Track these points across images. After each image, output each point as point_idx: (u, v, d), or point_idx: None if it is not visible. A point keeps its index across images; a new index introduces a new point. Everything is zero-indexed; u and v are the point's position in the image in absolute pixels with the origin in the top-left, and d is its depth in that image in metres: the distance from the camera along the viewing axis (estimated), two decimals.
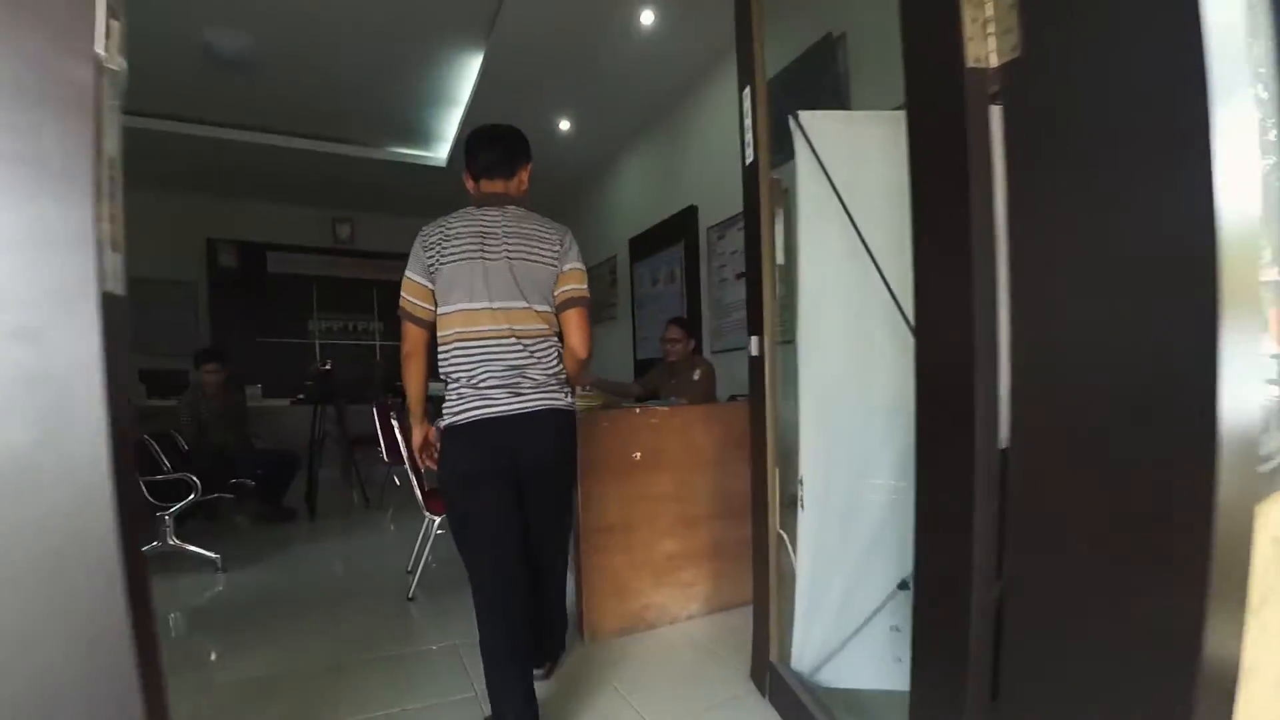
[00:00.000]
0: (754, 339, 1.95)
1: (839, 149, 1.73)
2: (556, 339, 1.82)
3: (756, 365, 1.95)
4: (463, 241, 1.72)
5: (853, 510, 1.79)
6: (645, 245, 6.06)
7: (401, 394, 6.74)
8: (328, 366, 4.86)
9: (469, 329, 1.70)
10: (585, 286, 1.84)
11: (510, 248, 1.74)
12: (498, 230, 1.74)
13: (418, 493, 2.83)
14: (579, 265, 1.84)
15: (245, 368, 7.54)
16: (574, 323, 1.81)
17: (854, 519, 1.80)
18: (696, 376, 3.55)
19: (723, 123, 4.90)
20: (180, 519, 3.33)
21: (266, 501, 4.40)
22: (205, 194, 7.61)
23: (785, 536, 1.92)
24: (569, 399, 1.84)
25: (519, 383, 1.70)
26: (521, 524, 1.76)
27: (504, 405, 1.69)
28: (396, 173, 6.89)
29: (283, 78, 5.06)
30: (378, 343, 8.28)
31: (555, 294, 1.81)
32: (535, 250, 1.77)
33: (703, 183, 5.26)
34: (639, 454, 2.40)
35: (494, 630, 1.69)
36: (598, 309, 7.26)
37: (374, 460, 5.01)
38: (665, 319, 5.64)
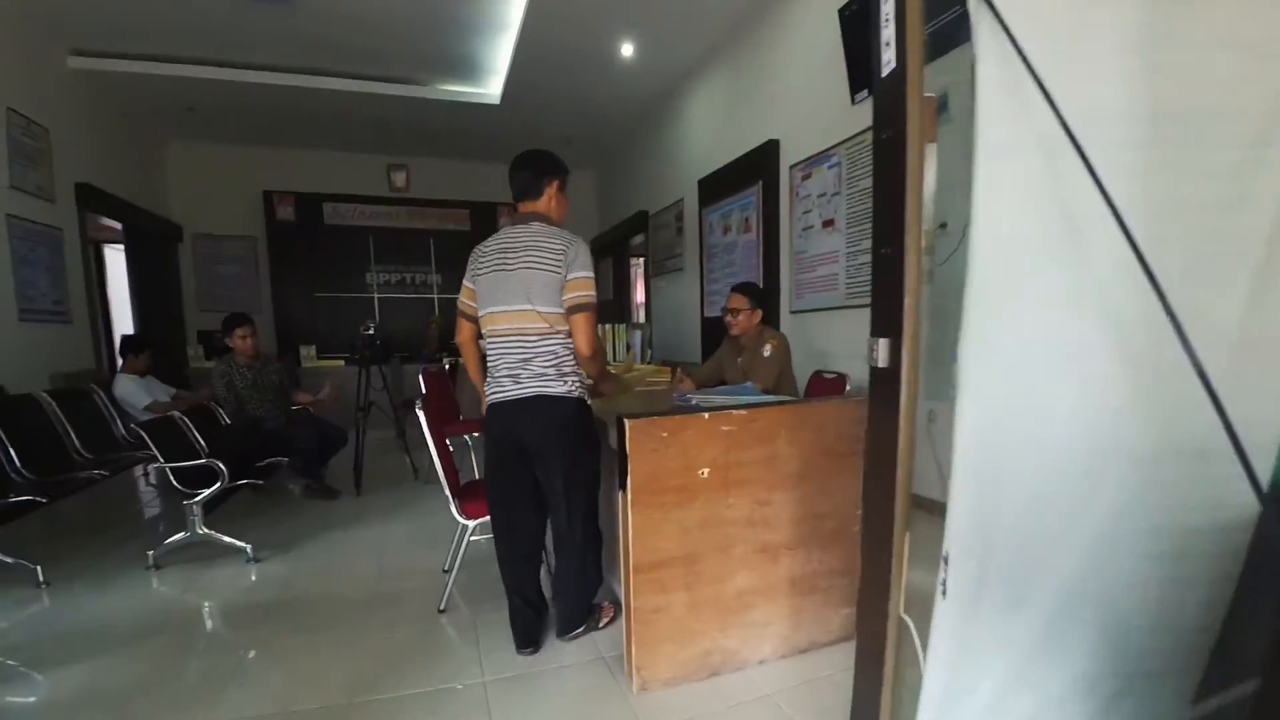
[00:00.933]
0: (881, 342, 1.37)
1: (1057, 43, 1.05)
2: (561, 336, 2.04)
3: (885, 381, 1.37)
4: (491, 257, 2.08)
5: (1022, 601, 1.21)
6: (716, 187, 5.36)
7: (456, 354, 6.43)
8: (371, 331, 4.49)
9: (492, 328, 2.08)
10: (588, 293, 2.02)
11: (524, 259, 2.01)
12: (519, 245, 2.03)
13: (449, 495, 2.41)
14: (582, 274, 2.01)
15: (302, 324, 7.48)
16: (578, 326, 2.03)
17: (1022, 609, 1.21)
18: (767, 353, 2.95)
19: (811, 39, 4.10)
20: (224, 493, 3.03)
21: (309, 477, 4.14)
22: (260, 145, 7.39)
23: (910, 623, 1.37)
24: (569, 387, 2.04)
25: (519, 373, 2.04)
26: (528, 492, 2.14)
27: (508, 391, 2.05)
28: (449, 113, 6.40)
29: (321, 7, 4.59)
30: (436, 296, 7.98)
31: (564, 299, 2.01)
32: (543, 260, 2.00)
33: (786, 113, 4.49)
34: (707, 470, 1.87)
35: (502, 571, 2.22)
36: (662, 259, 6.65)
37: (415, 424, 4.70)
38: (737, 274, 5.03)
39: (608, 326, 3.63)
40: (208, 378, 4.13)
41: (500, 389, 2.05)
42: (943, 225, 3.41)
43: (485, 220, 8.05)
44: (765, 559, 2.02)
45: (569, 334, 2.04)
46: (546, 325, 2.00)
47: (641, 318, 8.46)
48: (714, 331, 5.55)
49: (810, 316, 4.32)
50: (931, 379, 3.50)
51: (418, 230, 7.89)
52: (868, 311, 3.18)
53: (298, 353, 6.21)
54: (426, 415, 2.42)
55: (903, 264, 1.24)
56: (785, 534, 2.04)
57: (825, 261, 4.14)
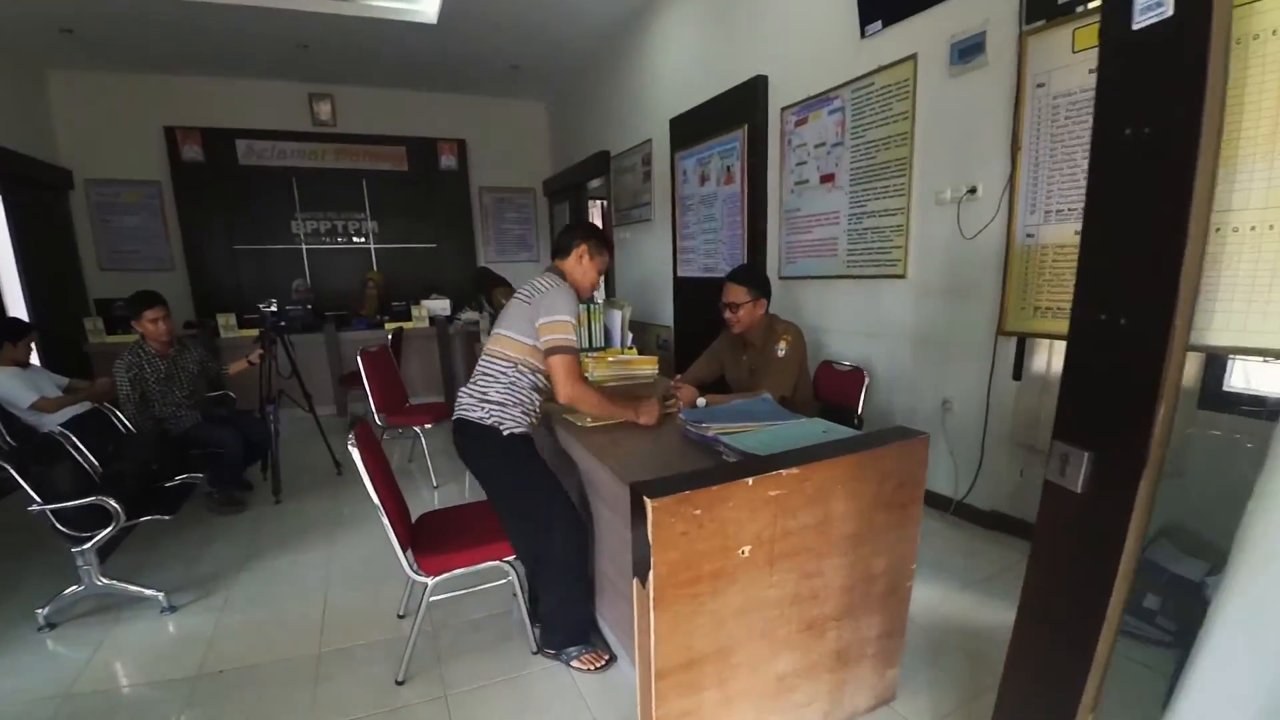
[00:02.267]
0: (1084, 455, 0.94)
1: None
2: (516, 366, 2.06)
3: (1080, 513, 0.94)
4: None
5: None
6: (692, 128, 4.75)
7: (401, 317, 5.76)
8: (273, 307, 3.80)
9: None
10: (559, 336, 1.99)
11: (521, 295, 2.11)
12: (528, 285, 2.13)
13: (397, 547, 1.92)
14: (554, 317, 2.00)
15: (223, 283, 6.63)
16: (553, 372, 2.01)
17: None
18: (782, 352, 2.49)
19: None
20: (130, 518, 2.45)
21: (220, 484, 3.50)
22: (157, 72, 6.29)
23: None
24: (492, 416, 2.03)
25: (465, 397, 2.10)
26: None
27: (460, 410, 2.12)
28: (378, 34, 5.50)
29: None
30: (373, 246, 7.19)
31: (541, 343, 2.01)
32: (524, 295, 2.09)
33: (777, 45, 3.90)
34: (748, 548, 1.44)
35: None
36: (627, 207, 6.03)
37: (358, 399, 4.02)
38: (717, 230, 4.51)
39: (581, 307, 3.09)
40: (111, 360, 3.41)
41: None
42: (972, 190, 2.99)
43: (425, 159, 7.22)
44: (810, 636, 1.64)
45: (534, 369, 2.07)
46: (508, 352, 2.05)
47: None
48: (690, 295, 5.07)
49: (803, 285, 3.88)
50: (946, 369, 3.09)
51: (348, 171, 7.01)
52: (872, 284, 2.65)
53: (215, 324, 5.40)
54: (360, 443, 1.89)
55: (1164, 334, 0.79)
56: (833, 605, 1.65)
57: (823, 222, 3.67)
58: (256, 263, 6.80)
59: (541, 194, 8.01)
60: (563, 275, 2.12)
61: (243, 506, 3.51)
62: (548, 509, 1.98)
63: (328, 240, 7.06)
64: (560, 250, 2.17)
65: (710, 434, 1.84)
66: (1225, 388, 2.41)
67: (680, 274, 5.18)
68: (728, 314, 2.59)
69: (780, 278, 4.04)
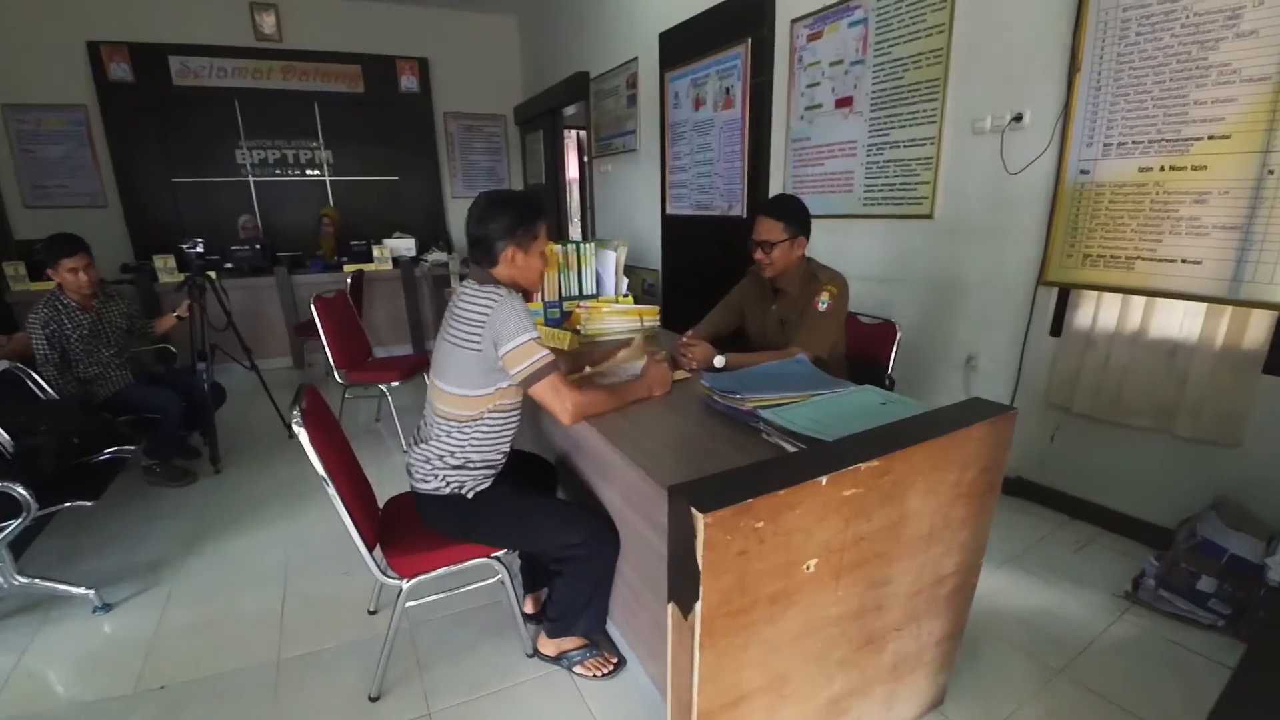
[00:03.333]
0: None
1: None
2: (476, 422, 1.66)
3: None
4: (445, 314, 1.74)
5: None
6: (686, 44, 4.25)
7: (362, 258, 5.26)
8: (198, 248, 3.31)
9: (427, 393, 1.78)
10: (531, 360, 1.57)
11: (450, 328, 1.66)
12: (455, 307, 1.67)
13: (361, 547, 1.59)
14: (517, 342, 1.56)
15: (162, 219, 5.98)
16: (543, 400, 1.62)
17: None
18: (824, 305, 2.10)
19: None
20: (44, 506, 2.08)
21: (158, 456, 3.08)
22: None
23: None
24: (450, 484, 1.67)
25: (413, 458, 1.74)
26: None
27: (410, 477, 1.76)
28: None
29: None
30: (328, 178, 6.55)
31: (512, 377, 1.60)
32: (460, 333, 1.62)
33: None
34: (814, 562, 1.15)
35: None
36: (608, 136, 5.53)
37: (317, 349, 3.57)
38: (713, 162, 4.07)
39: (569, 247, 2.70)
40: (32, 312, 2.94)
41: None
42: (1017, 118, 2.63)
43: (383, 80, 6.53)
44: (869, 651, 1.38)
45: (503, 410, 1.68)
46: (452, 409, 1.65)
47: (576, 202, 7.39)
48: (680, 235, 4.68)
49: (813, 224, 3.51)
50: (974, 322, 2.80)
51: (297, 92, 6.29)
52: (893, 225, 2.37)
53: (152, 269, 4.81)
54: (308, 421, 1.55)
55: None
56: (898, 614, 1.39)
57: (837, 154, 3.29)
58: (199, 197, 6.14)
59: (513, 121, 7.39)
60: (497, 282, 1.65)
61: (192, 477, 3.14)
62: (561, 537, 1.68)
63: (278, 171, 6.40)
64: (483, 258, 1.66)
65: (746, 408, 1.52)
66: None
67: (670, 211, 4.76)
68: (759, 254, 2.17)
69: None
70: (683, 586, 1.06)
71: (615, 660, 1.82)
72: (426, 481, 1.68)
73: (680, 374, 1.97)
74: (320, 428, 1.55)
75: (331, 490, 1.48)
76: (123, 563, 2.43)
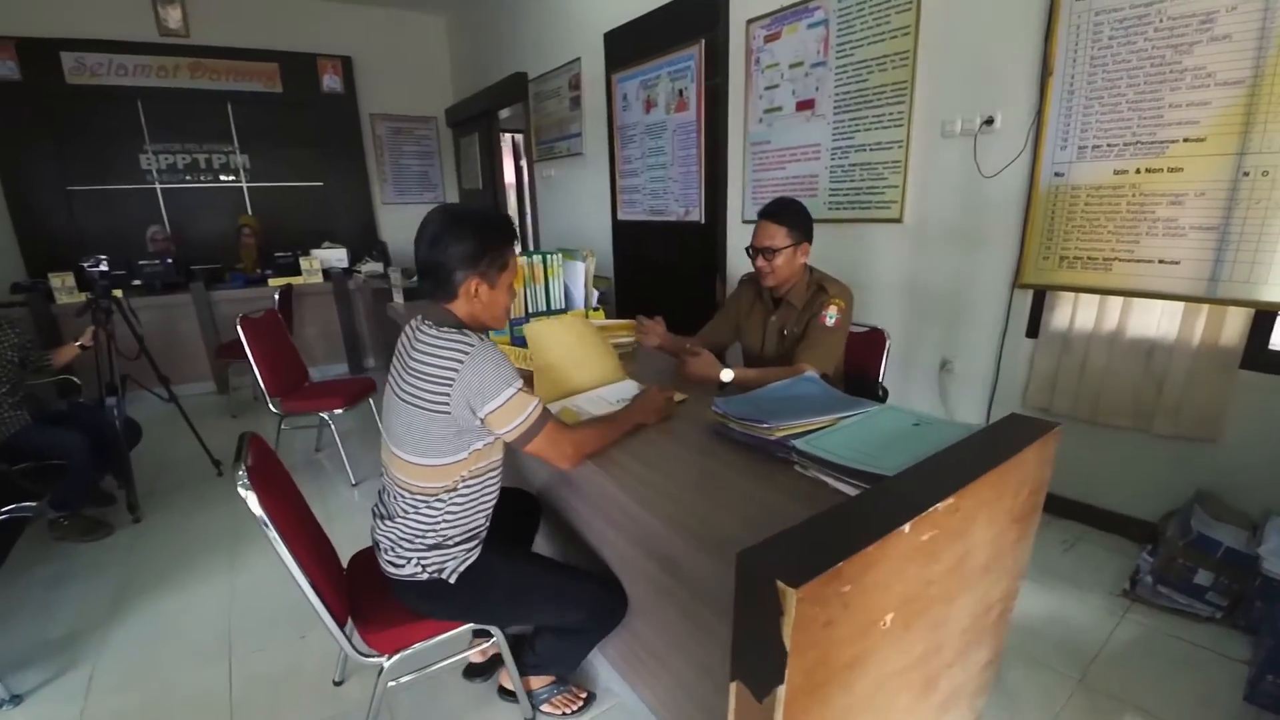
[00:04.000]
0: None
1: None
2: (452, 491, 1.38)
3: None
4: (396, 357, 1.43)
5: None
6: (634, 44, 4.11)
7: (288, 271, 4.86)
8: (102, 265, 2.94)
9: (381, 456, 1.49)
10: (521, 417, 1.31)
11: (410, 384, 1.33)
12: (414, 355, 1.34)
13: (329, 624, 1.36)
14: (503, 399, 1.29)
15: (60, 232, 5.36)
16: (540, 454, 1.37)
17: None
18: (832, 320, 1.96)
19: None
20: None
21: (66, 507, 2.67)
22: None
23: None
24: (429, 569, 1.40)
25: (380, 537, 1.45)
26: None
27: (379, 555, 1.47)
28: None
29: None
30: (245, 185, 6.05)
31: (501, 437, 1.35)
32: (418, 390, 1.31)
33: None
34: (891, 616, 1.02)
35: None
36: (550, 139, 5.32)
37: (243, 371, 3.18)
38: (666, 166, 3.94)
39: (536, 259, 2.51)
40: None
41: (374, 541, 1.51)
42: (989, 121, 2.61)
43: (303, 79, 6.09)
44: (925, 694, 1.28)
45: (482, 473, 1.42)
46: (419, 483, 1.37)
47: (512, 206, 7.11)
48: (633, 241, 4.53)
49: None
50: (947, 326, 2.77)
51: (208, 92, 5.78)
52: (860, 229, 2.29)
53: (48, 288, 4.25)
54: (257, 482, 1.32)
55: None
56: (952, 651, 1.29)
57: (800, 157, 3.23)
58: (100, 207, 5.53)
59: (445, 124, 7.05)
60: (461, 324, 1.36)
61: (107, 529, 2.74)
62: (563, 616, 1.52)
63: (189, 178, 5.86)
64: (436, 290, 1.38)
65: (774, 437, 1.38)
66: (1274, 346, 2.26)
67: (621, 217, 4.61)
68: (759, 261, 2.03)
69: (744, 221, 3.60)
70: (758, 669, 0.91)
71: (584, 695, 1.69)
72: (399, 566, 1.41)
73: (679, 396, 1.81)
74: (272, 488, 1.31)
75: (295, 571, 1.25)
76: (31, 640, 2.07)
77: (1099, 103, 2.24)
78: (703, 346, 2.09)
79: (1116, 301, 2.34)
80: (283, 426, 3.23)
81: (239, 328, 3.03)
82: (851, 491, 1.23)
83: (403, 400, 1.34)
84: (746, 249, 2.07)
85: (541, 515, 1.89)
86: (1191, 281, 2.13)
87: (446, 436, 1.32)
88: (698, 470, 1.41)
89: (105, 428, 2.75)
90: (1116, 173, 2.24)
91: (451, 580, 1.41)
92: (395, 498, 1.41)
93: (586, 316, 2.60)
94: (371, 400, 3.40)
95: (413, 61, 6.70)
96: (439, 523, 1.39)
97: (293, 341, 3.61)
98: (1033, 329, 2.57)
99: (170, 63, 5.64)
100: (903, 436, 1.35)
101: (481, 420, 1.30)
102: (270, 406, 3.11)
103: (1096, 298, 2.38)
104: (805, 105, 3.15)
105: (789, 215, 1.98)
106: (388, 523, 1.43)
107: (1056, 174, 2.37)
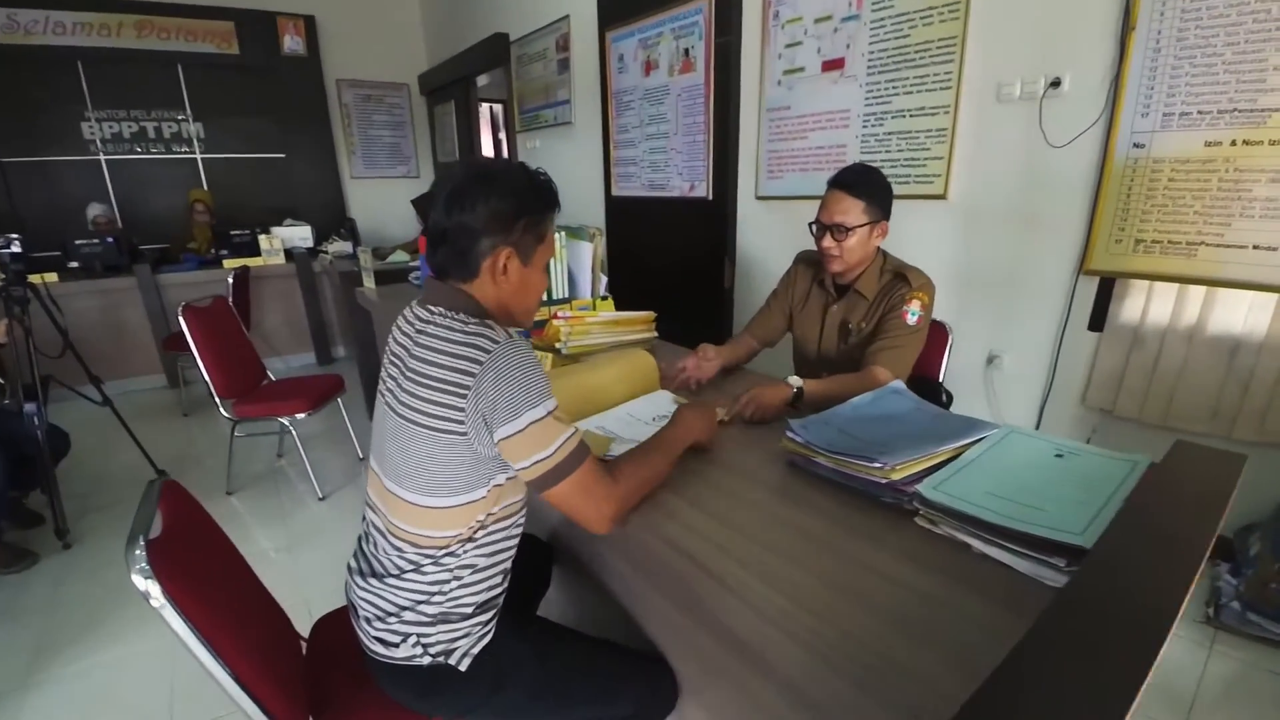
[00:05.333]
0: None
1: None
2: (454, 551, 1.01)
3: None
4: (390, 352, 1.09)
5: None
6: (631, 0, 3.72)
7: (246, 251, 4.41)
8: (13, 247, 2.52)
9: (368, 485, 1.14)
10: (558, 443, 0.95)
11: (412, 391, 0.99)
12: (419, 352, 1.00)
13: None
14: (521, 423, 0.93)
15: None
16: (569, 506, 1.00)
17: None
18: (914, 318, 1.63)
19: None
20: None
21: None
22: None
23: None
24: (430, 651, 1.02)
25: (362, 601, 1.07)
26: None
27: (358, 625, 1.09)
28: None
29: None
30: (199, 156, 5.54)
31: (517, 472, 0.98)
32: (423, 401, 0.97)
33: None
34: None
35: None
36: (535, 107, 4.90)
37: (194, 363, 2.76)
38: (667, 136, 3.56)
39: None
40: None
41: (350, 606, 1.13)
42: (1055, 83, 2.30)
43: (262, 40, 5.57)
44: None
45: (497, 521, 1.05)
46: (425, 532, 1.01)
47: None
48: (630, 220, 4.15)
49: (793, 207, 3.10)
50: (998, 317, 2.46)
51: (157, 53, 5.24)
52: (896, 206, 1.75)
53: None
54: (158, 564, 1.01)
55: None
56: None
57: (825, 125, 2.89)
58: (37, 180, 5.01)
59: (418, 91, 6.56)
60: (482, 312, 1.05)
61: (31, 558, 2.35)
62: (605, 713, 1.15)
63: (137, 149, 5.33)
64: (453, 267, 1.05)
65: (890, 480, 1.04)
66: None
67: (616, 193, 4.24)
68: (827, 241, 1.67)
69: (758, 197, 3.26)
70: None
71: None
72: (390, 645, 1.04)
73: (720, 411, 1.48)
74: (192, 566, 0.95)
75: (226, 681, 0.91)
76: None
77: (1190, 63, 1.94)
78: (754, 341, 1.76)
79: (1198, 292, 2.06)
80: (236, 434, 2.83)
81: (181, 319, 2.63)
82: (1031, 570, 0.88)
83: (400, 417, 1.00)
84: (810, 224, 1.73)
85: (554, 566, 1.55)
86: None
87: (464, 468, 0.98)
88: (780, 523, 1.06)
89: (25, 439, 2.34)
90: (1208, 144, 1.94)
91: (462, 667, 1.04)
92: (386, 551, 1.06)
93: (594, 307, 2.26)
94: (341, 400, 3.01)
95: (382, 21, 6.19)
96: (449, 586, 1.03)
97: (248, 333, 3.19)
98: (1097, 321, 2.28)
99: (114, 20, 5.09)
100: (1053, 475, 1.04)
101: (495, 443, 0.96)
102: (222, 411, 2.71)
103: (1174, 287, 2.10)
104: (833, 65, 2.80)
105: (868, 187, 1.64)
106: (373, 582, 1.06)
107: (1136, 145, 2.07)
